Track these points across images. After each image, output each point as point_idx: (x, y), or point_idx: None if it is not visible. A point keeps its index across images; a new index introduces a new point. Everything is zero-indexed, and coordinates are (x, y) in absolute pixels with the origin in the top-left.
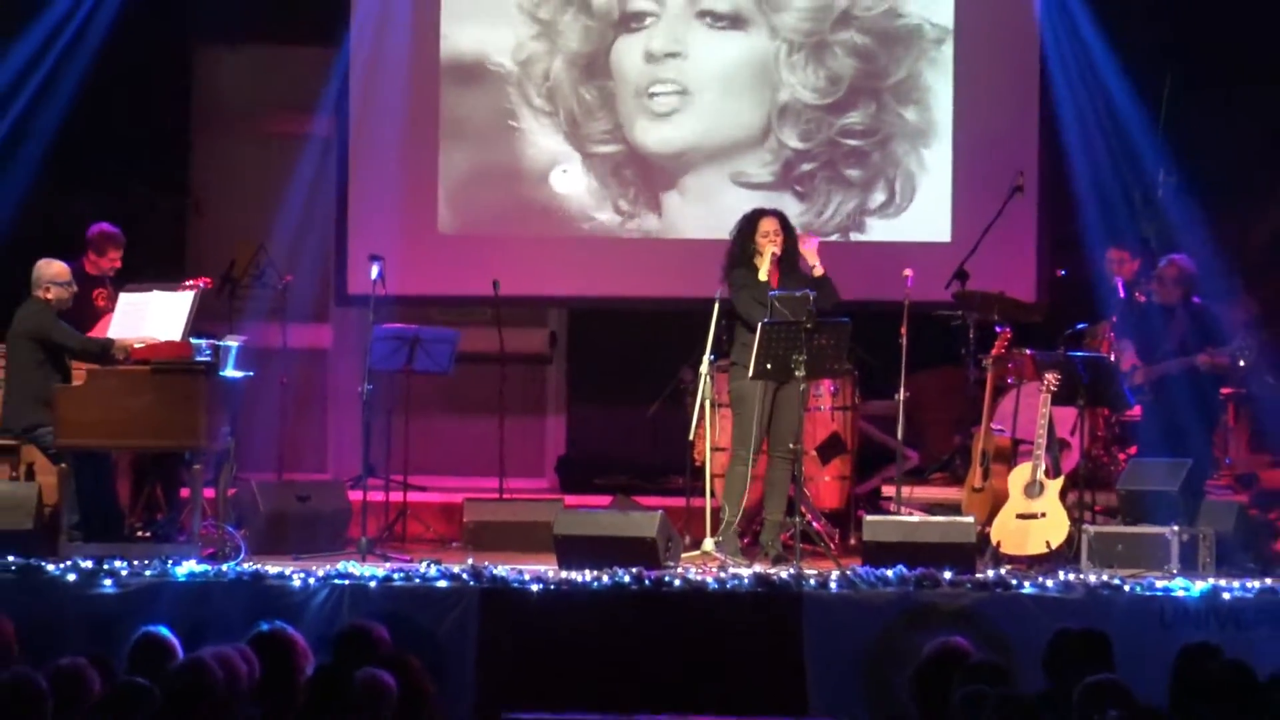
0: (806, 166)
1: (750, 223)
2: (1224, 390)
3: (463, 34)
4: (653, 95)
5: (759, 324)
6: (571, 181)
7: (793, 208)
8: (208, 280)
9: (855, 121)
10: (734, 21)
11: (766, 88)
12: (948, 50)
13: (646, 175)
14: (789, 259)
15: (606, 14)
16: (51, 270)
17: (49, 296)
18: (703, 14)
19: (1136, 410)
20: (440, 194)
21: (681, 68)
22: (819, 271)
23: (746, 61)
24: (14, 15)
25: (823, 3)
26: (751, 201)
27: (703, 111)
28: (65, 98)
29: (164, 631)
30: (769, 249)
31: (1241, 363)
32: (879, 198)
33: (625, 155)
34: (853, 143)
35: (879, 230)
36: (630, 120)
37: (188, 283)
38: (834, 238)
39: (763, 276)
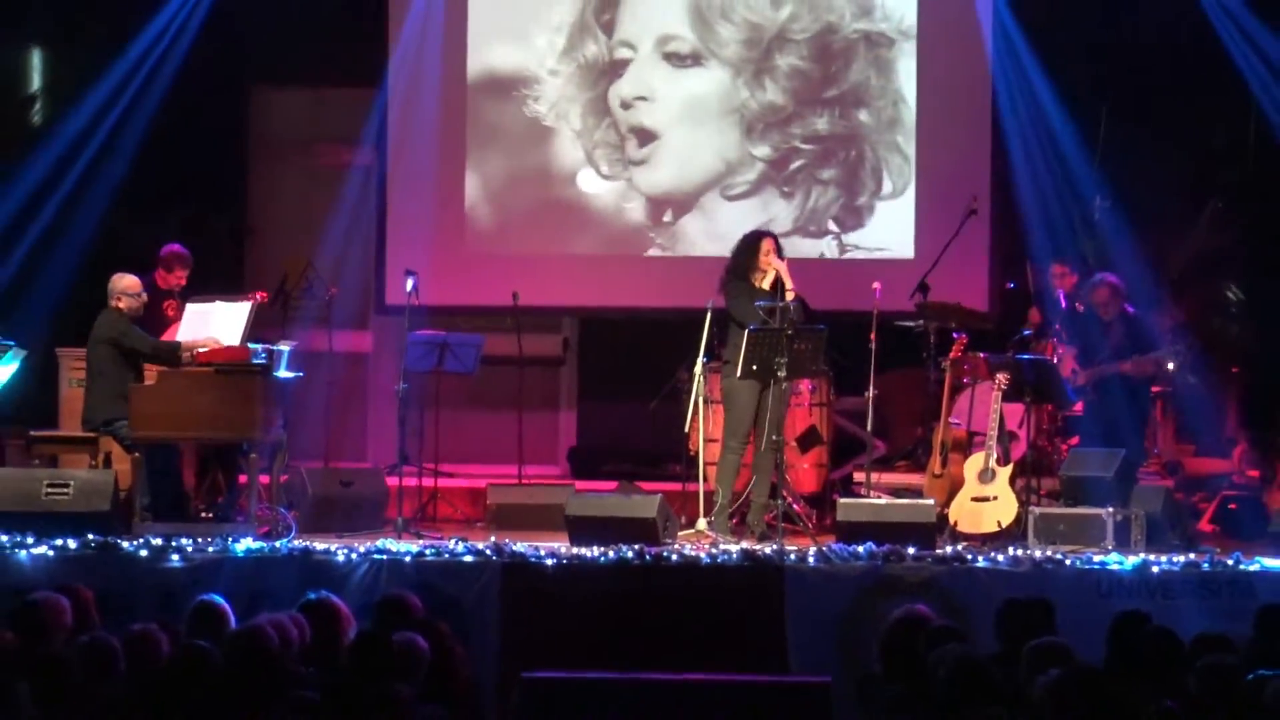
0: (783, 172)
1: (753, 244)
2: (1154, 389)
3: (491, 54)
4: (637, 144)
5: (747, 331)
6: (597, 186)
7: (780, 208)
8: (264, 294)
9: (816, 129)
10: (694, 59)
11: (732, 111)
12: (894, 56)
13: (661, 204)
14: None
15: (598, 62)
16: (124, 283)
17: (123, 306)
18: (667, 55)
19: (1077, 407)
20: (467, 218)
21: (651, 109)
22: (791, 295)
23: (710, 92)
24: (93, 62)
25: (755, 34)
26: (743, 211)
27: (678, 149)
28: (138, 133)
29: (217, 599)
30: (772, 268)
31: (1171, 365)
32: (856, 190)
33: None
34: (813, 147)
35: (856, 236)
36: (626, 160)
37: (246, 295)
38: (828, 245)
39: (765, 287)
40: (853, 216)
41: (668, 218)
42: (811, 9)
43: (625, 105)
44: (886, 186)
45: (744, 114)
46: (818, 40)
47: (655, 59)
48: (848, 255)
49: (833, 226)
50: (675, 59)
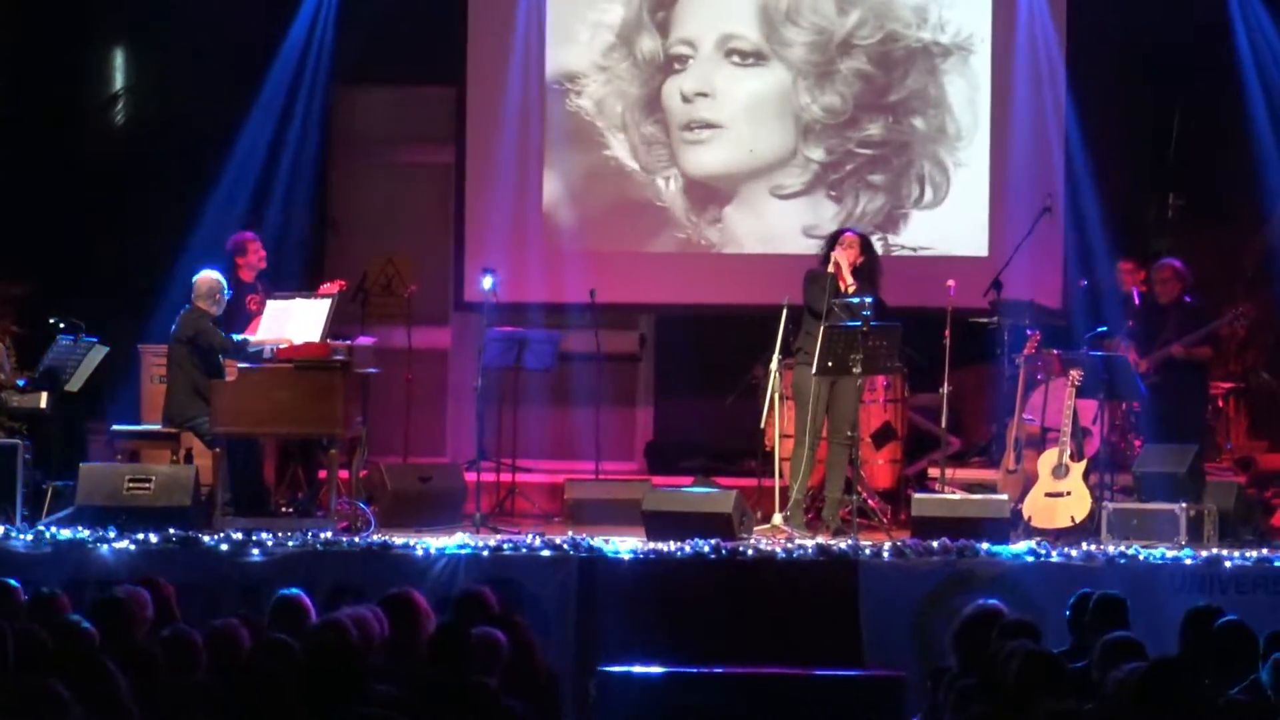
0: (834, 175)
1: (833, 237)
2: (1225, 385)
3: (564, 54)
4: (690, 129)
5: (822, 327)
6: (662, 196)
7: (828, 210)
8: (342, 282)
9: (870, 134)
10: (757, 58)
11: (789, 112)
12: (950, 67)
13: (703, 195)
14: (864, 272)
15: (654, 59)
16: (207, 283)
17: (205, 305)
18: (729, 53)
19: None
20: (544, 215)
21: (712, 105)
22: (851, 289)
23: (770, 92)
24: (174, 62)
25: (822, 38)
26: (791, 210)
27: (736, 139)
28: (224, 130)
29: (299, 593)
30: (839, 254)
31: (1238, 323)
32: (905, 196)
33: (682, 178)
34: (870, 152)
35: (917, 232)
36: (678, 151)
37: (324, 286)
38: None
39: (830, 269)
40: (895, 223)
41: (713, 212)
42: (877, 16)
43: (686, 99)
44: (929, 195)
45: (802, 116)
46: (880, 47)
47: (717, 57)
48: (920, 251)
49: (878, 231)
50: (738, 56)
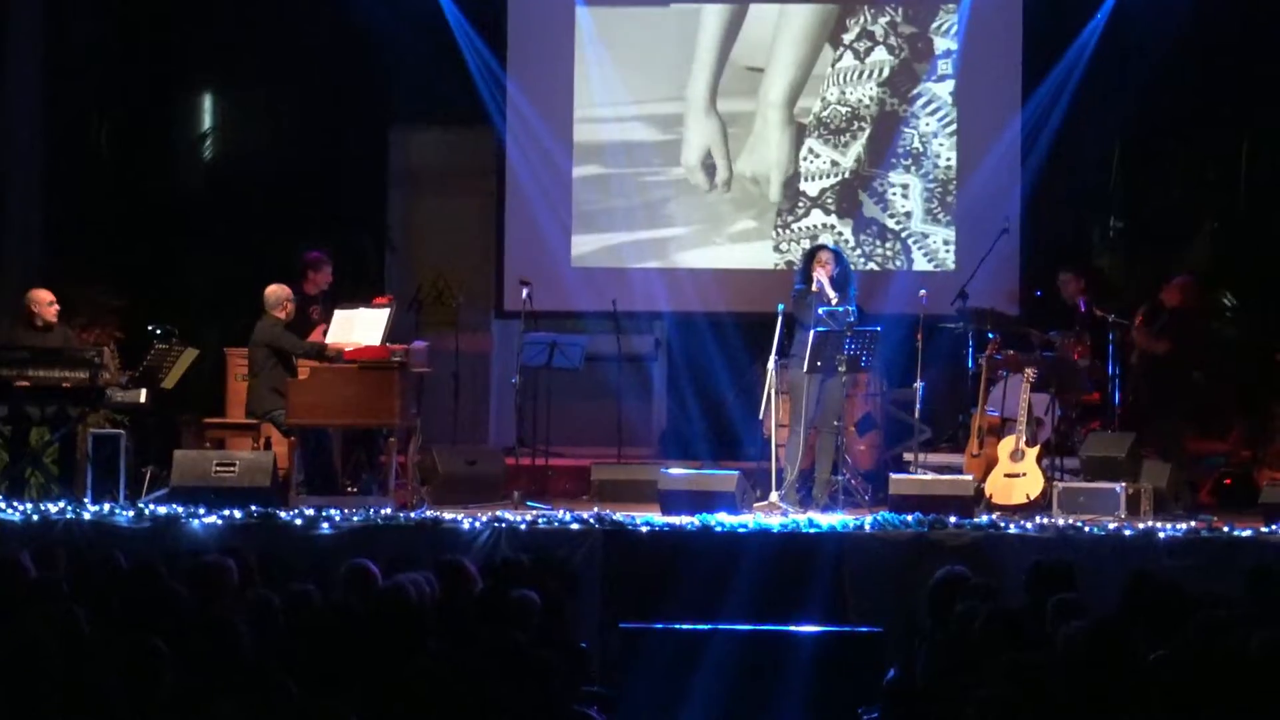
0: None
1: (810, 255)
2: None
3: (587, 129)
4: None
5: (812, 332)
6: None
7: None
8: (389, 296)
9: (877, 175)
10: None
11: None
12: (949, 121)
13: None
14: (841, 281)
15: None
16: (278, 294)
17: (278, 313)
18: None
19: (1094, 395)
20: (574, 237)
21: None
22: (835, 300)
23: (780, 134)
24: (254, 104)
25: (845, 105)
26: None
27: (750, 183)
28: (298, 166)
29: (367, 562)
30: (819, 273)
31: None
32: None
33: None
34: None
35: (902, 259)
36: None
37: (378, 300)
38: (870, 267)
39: (814, 288)
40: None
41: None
42: (907, 67)
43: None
44: (915, 222)
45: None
46: (889, 111)
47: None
48: (897, 267)
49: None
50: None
